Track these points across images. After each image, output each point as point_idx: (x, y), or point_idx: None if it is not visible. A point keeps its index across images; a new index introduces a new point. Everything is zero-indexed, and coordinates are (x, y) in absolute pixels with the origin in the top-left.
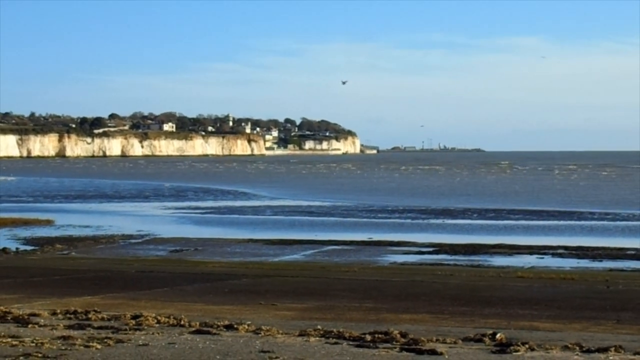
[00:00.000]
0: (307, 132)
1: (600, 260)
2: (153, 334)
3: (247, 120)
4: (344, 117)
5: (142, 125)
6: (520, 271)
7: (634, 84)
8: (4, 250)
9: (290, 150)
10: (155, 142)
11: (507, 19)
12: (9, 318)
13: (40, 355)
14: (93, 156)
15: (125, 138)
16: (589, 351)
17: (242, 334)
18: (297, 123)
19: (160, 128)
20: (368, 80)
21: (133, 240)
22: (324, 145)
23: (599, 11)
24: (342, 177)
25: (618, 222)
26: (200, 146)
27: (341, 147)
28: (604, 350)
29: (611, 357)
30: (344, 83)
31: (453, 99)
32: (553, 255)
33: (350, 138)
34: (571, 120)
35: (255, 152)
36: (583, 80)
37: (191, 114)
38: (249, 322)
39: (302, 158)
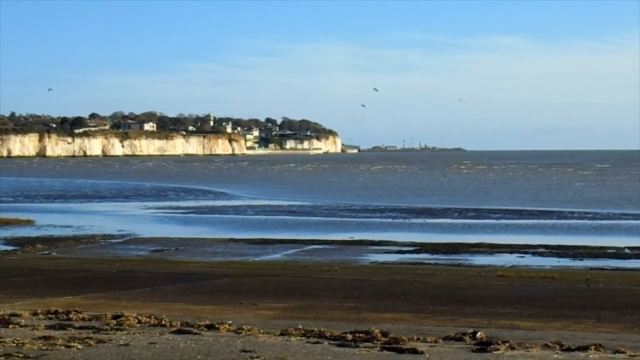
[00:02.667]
0: (288, 132)
1: (581, 259)
2: (134, 334)
3: (228, 120)
4: (325, 117)
5: (123, 125)
6: (501, 270)
7: (615, 83)
8: None
9: (272, 149)
10: (136, 142)
11: (487, 18)
12: None
13: (21, 355)
14: (74, 156)
15: (106, 138)
16: (569, 350)
17: (223, 333)
18: (278, 122)
19: (141, 128)
20: (349, 80)
21: (114, 240)
22: (305, 144)
23: (578, 10)
24: (297, 177)
25: (598, 221)
26: (181, 146)
27: (322, 146)
28: (584, 348)
29: (591, 356)
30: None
31: (434, 98)
32: (534, 254)
33: (331, 137)
34: (553, 119)
35: (237, 151)
36: (563, 79)
37: (172, 113)
38: (230, 322)
39: (280, 157)
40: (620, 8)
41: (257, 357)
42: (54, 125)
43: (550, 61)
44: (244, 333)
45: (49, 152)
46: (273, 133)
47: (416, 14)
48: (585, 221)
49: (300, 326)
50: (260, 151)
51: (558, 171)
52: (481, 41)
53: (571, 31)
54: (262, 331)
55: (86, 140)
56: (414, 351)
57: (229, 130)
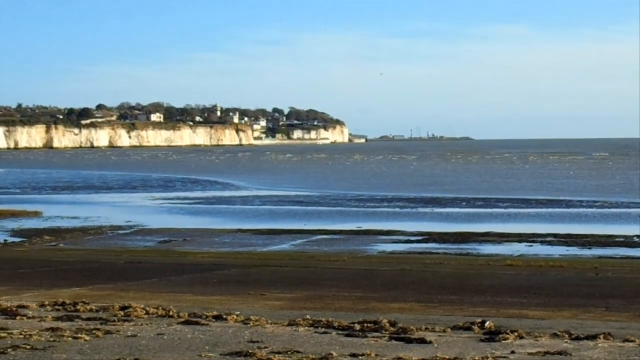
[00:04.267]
0: (296, 122)
1: (590, 248)
2: (142, 325)
3: (235, 110)
4: (333, 107)
5: (130, 116)
6: (510, 259)
7: (622, 72)
8: None
9: (279, 140)
10: (143, 133)
11: (493, 8)
12: None
13: (28, 347)
14: (81, 147)
15: (113, 129)
16: (578, 339)
17: (231, 324)
18: (286, 113)
19: (148, 119)
20: (356, 69)
21: (122, 231)
22: (313, 134)
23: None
24: (283, 167)
25: (606, 210)
26: (188, 136)
27: (330, 136)
28: (593, 337)
29: (600, 345)
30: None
31: (441, 87)
32: (542, 243)
33: (338, 127)
34: (560, 107)
35: (244, 142)
36: (570, 68)
37: (179, 104)
38: (238, 313)
39: (287, 148)
40: None
41: (265, 347)
42: (61, 117)
43: (557, 50)
44: (252, 324)
45: (56, 144)
46: (280, 123)
47: (422, 4)
48: (594, 210)
49: (308, 316)
50: (268, 141)
51: (554, 160)
52: (487, 30)
53: (577, 20)
54: (270, 322)
55: (93, 132)
56: (422, 341)
57: (236, 120)
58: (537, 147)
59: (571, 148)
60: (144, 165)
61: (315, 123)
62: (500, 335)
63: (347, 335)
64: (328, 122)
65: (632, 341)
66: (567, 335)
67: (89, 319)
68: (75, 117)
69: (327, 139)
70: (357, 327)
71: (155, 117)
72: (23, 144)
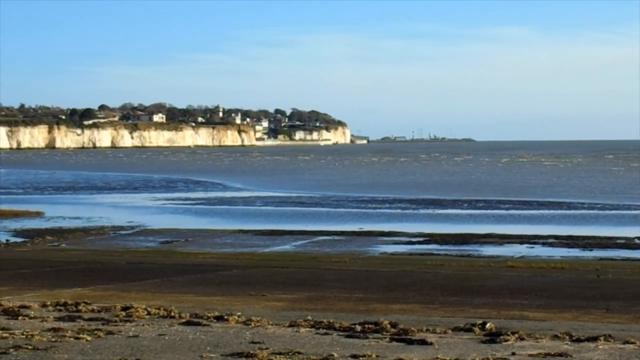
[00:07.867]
0: (298, 123)
1: (591, 250)
2: (143, 325)
3: (237, 111)
4: (335, 108)
5: (132, 117)
6: (511, 261)
7: (622, 73)
8: None
9: (281, 140)
10: (145, 133)
11: (494, 9)
12: None
13: (30, 347)
14: (83, 147)
15: (115, 129)
16: (578, 340)
17: (233, 325)
18: (287, 113)
19: (150, 119)
20: (357, 71)
21: (123, 232)
22: (314, 135)
23: (585, 1)
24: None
25: (607, 212)
26: (190, 137)
27: (331, 137)
28: (594, 339)
29: (601, 346)
30: None
31: (443, 88)
32: (543, 244)
33: (340, 128)
34: (562, 109)
35: (246, 142)
36: (571, 70)
37: (181, 104)
38: (239, 313)
39: (288, 149)
40: None
41: (266, 348)
42: (63, 117)
43: (558, 52)
44: (253, 324)
45: (58, 144)
46: (282, 124)
47: (423, 5)
48: (595, 211)
49: (309, 317)
50: (270, 142)
51: (523, 161)
52: (488, 32)
53: (578, 22)
54: (271, 322)
55: (95, 132)
56: (423, 342)
57: (238, 121)
58: (531, 148)
59: (561, 149)
60: (145, 166)
61: (317, 124)
62: (501, 337)
63: (348, 336)
64: (330, 123)
65: (632, 343)
66: (567, 337)
67: (90, 319)
68: (78, 118)
69: (329, 139)
70: (358, 328)
71: (158, 118)
72: (25, 144)
